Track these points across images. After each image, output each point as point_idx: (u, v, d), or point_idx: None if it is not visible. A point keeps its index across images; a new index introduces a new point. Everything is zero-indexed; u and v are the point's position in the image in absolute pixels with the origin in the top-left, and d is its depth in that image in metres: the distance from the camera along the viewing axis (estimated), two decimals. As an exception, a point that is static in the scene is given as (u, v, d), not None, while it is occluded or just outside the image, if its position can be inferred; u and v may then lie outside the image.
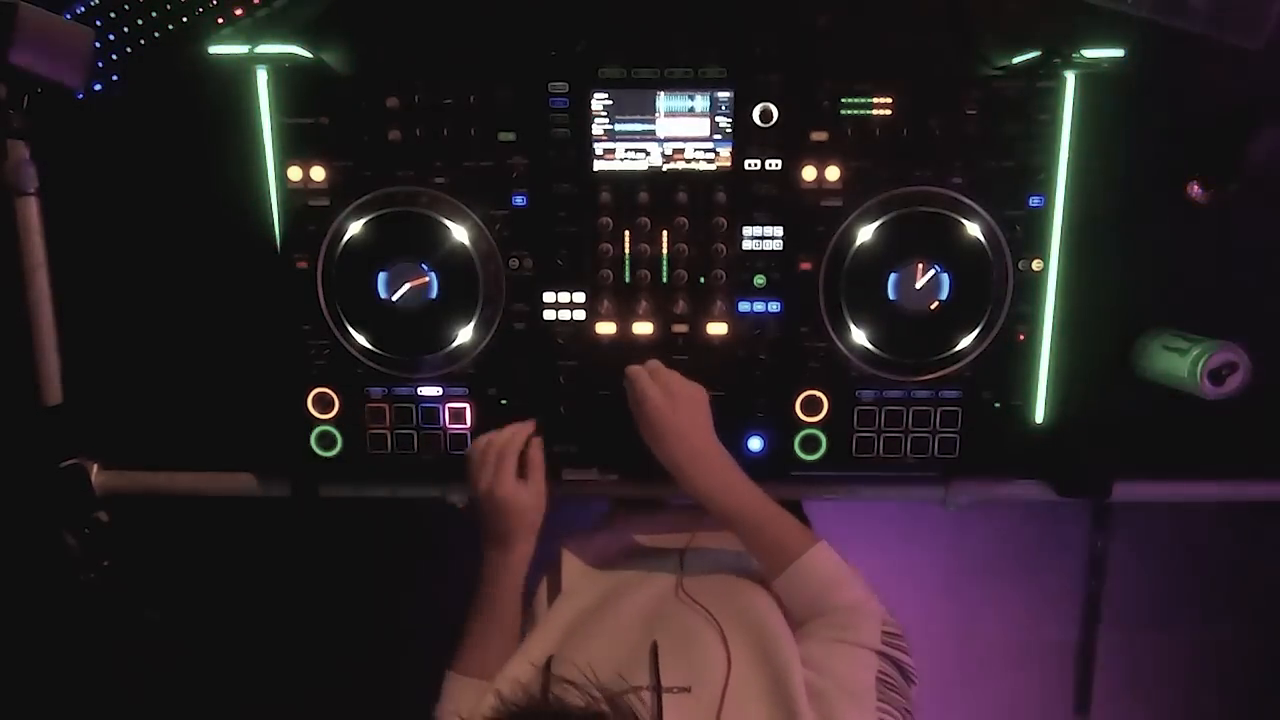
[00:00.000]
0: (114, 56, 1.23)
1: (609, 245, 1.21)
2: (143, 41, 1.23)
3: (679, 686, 0.87)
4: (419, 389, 1.24)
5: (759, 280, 1.22)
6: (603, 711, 0.75)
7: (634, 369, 1.17)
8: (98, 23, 1.21)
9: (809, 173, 1.18)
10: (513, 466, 1.14)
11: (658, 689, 0.87)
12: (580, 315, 1.23)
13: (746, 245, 1.21)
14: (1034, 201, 1.19)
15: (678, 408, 1.12)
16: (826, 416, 1.25)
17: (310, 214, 1.18)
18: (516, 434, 1.17)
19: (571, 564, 1.25)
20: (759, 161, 1.19)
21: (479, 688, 1.05)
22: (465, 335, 1.21)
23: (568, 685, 0.79)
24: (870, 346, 1.21)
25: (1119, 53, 1.15)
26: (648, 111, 1.17)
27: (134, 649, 1.32)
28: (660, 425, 1.11)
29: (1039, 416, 1.25)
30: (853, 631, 0.96)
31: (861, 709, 0.86)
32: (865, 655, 0.92)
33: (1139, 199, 1.25)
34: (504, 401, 1.25)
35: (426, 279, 1.19)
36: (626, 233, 1.21)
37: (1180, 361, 1.18)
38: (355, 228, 1.18)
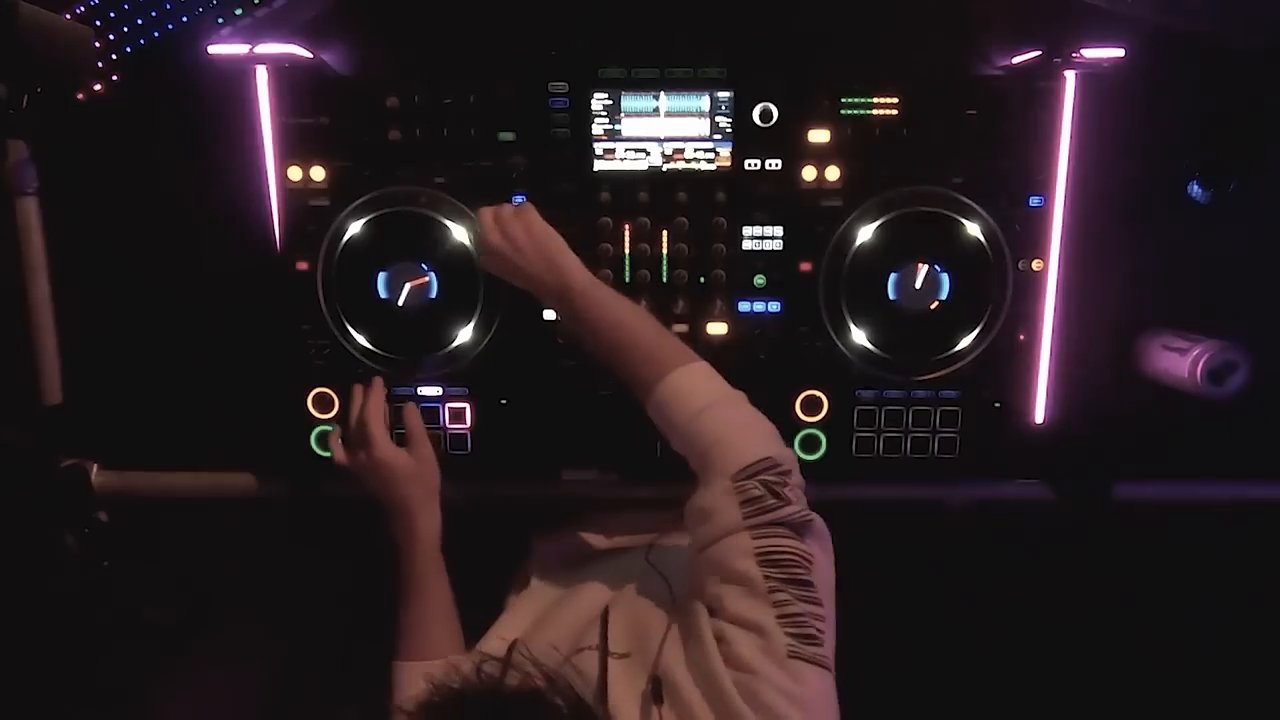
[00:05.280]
0: (114, 56, 1.23)
1: (609, 245, 1.21)
2: (143, 41, 1.23)
3: (620, 652, 0.86)
4: (419, 389, 1.24)
5: (759, 280, 1.22)
6: (537, 688, 0.73)
7: (483, 211, 1.11)
8: (97, 23, 1.21)
9: (809, 173, 1.18)
10: (381, 430, 1.11)
11: (604, 651, 0.85)
12: (580, 315, 1.23)
13: (746, 245, 1.21)
14: (1034, 201, 1.19)
15: (522, 250, 1.06)
16: (826, 416, 1.25)
17: (310, 214, 1.19)
18: (368, 400, 1.13)
19: (539, 556, 1.25)
20: (759, 161, 1.19)
21: (427, 669, 1.03)
22: (465, 335, 1.21)
23: (516, 666, 0.77)
24: (870, 346, 1.21)
25: (1119, 53, 1.15)
26: (648, 111, 1.17)
27: (134, 649, 1.32)
28: (512, 272, 1.08)
29: (1039, 416, 1.25)
30: (710, 523, 0.86)
31: (758, 613, 0.78)
32: (733, 543, 0.83)
33: (1139, 199, 1.25)
34: (504, 401, 1.25)
35: (426, 279, 1.19)
36: (626, 232, 1.21)
37: (1180, 361, 1.18)
38: (355, 228, 1.18)
